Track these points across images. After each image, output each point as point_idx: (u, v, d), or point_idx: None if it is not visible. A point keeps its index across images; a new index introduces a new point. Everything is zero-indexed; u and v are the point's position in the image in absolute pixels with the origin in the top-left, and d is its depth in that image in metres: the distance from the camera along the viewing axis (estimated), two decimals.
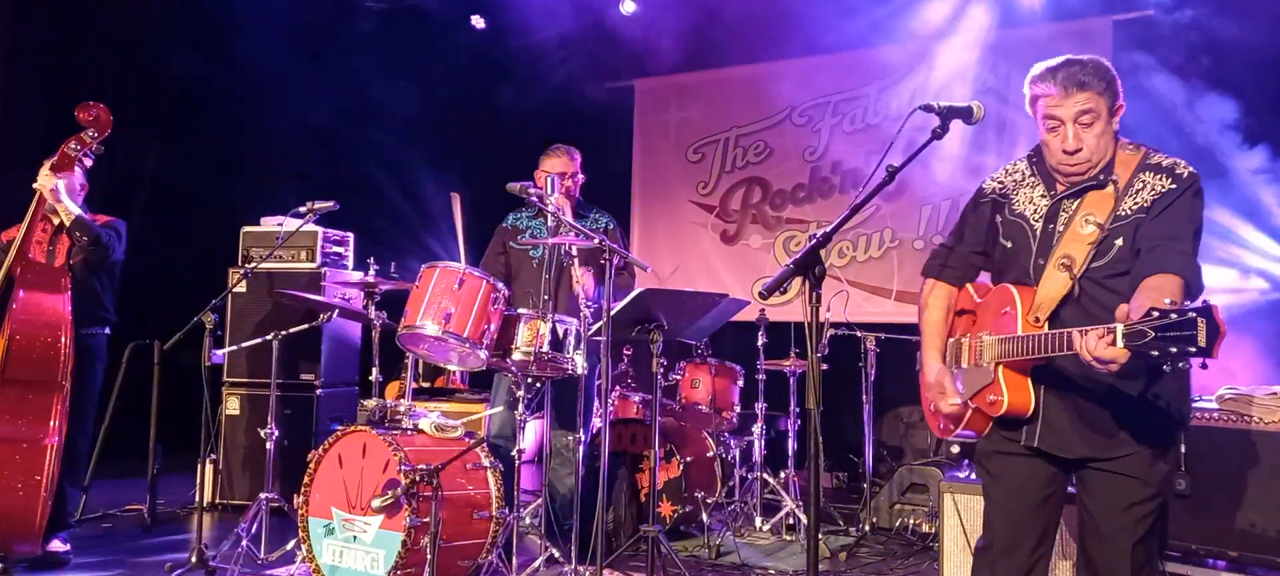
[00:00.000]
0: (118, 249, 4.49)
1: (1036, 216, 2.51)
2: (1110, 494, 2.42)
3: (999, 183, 2.63)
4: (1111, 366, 2.09)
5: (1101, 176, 2.44)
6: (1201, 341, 1.92)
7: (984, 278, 2.73)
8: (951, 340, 2.65)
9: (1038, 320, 2.37)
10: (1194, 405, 3.79)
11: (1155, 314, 1.97)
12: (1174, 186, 2.38)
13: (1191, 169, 2.42)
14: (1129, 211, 2.39)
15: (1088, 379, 2.35)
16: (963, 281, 2.70)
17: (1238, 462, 3.63)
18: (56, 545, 4.31)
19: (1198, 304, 1.95)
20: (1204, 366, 1.99)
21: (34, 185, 4.24)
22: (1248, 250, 5.39)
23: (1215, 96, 5.57)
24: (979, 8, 6.71)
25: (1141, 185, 2.40)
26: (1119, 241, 2.38)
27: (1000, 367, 2.41)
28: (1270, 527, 3.53)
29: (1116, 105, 2.44)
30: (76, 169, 4.32)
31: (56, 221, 4.36)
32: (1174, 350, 1.94)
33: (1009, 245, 2.55)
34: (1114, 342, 2.04)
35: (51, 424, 3.94)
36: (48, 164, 4.26)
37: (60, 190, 4.27)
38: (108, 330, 4.57)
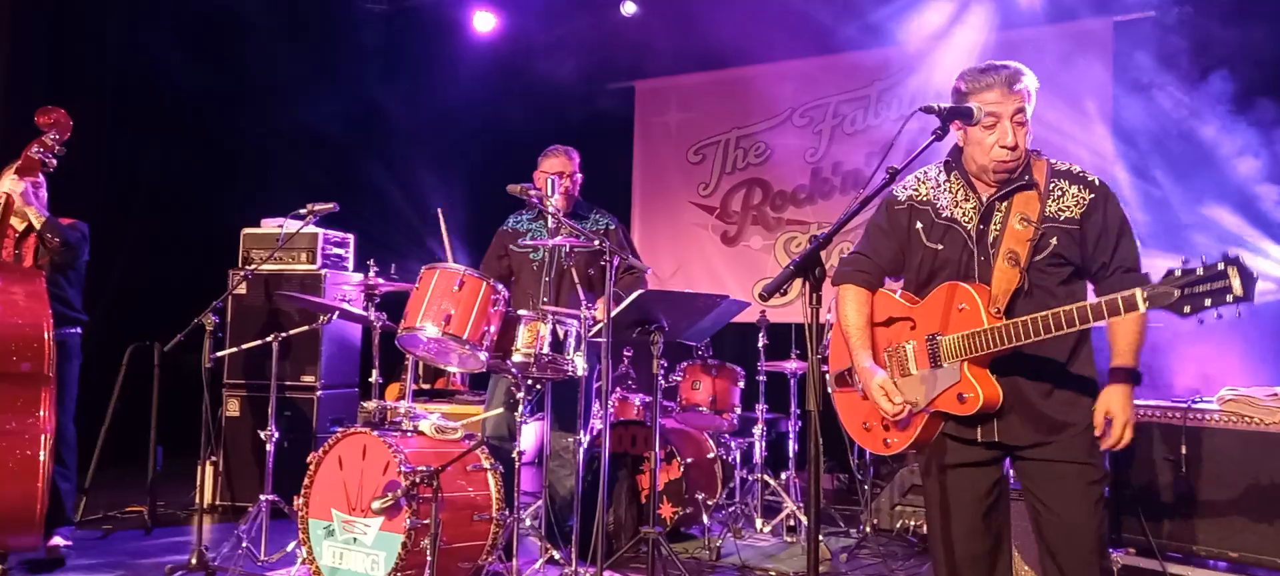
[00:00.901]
0: (84, 250, 4.52)
1: (969, 218, 2.56)
2: (1068, 481, 2.47)
3: (913, 191, 2.68)
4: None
5: (1025, 177, 2.53)
6: (1238, 290, 1.96)
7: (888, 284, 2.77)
8: (891, 348, 2.64)
9: (998, 312, 2.42)
10: (1194, 406, 3.79)
11: (1176, 272, 2.01)
12: (1094, 197, 2.51)
13: (1096, 177, 2.57)
14: (1057, 215, 2.50)
15: (1038, 363, 2.45)
16: (874, 287, 2.74)
17: (1238, 464, 3.63)
18: (57, 540, 4.33)
19: (1226, 253, 2.01)
20: (1239, 315, 2.00)
21: (2, 189, 4.26)
22: (1247, 251, 5.39)
23: (1215, 97, 5.57)
24: (979, 10, 6.71)
25: (1061, 192, 2.52)
26: (1053, 240, 2.49)
27: (965, 364, 2.43)
28: (1270, 529, 3.53)
29: (1031, 111, 2.55)
30: (40, 172, 4.33)
31: (23, 225, 4.40)
32: (1208, 302, 1.98)
33: (940, 248, 2.59)
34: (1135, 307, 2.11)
35: (41, 414, 3.94)
36: (11, 168, 4.29)
37: (29, 193, 4.29)
38: (79, 329, 4.57)
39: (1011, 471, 2.66)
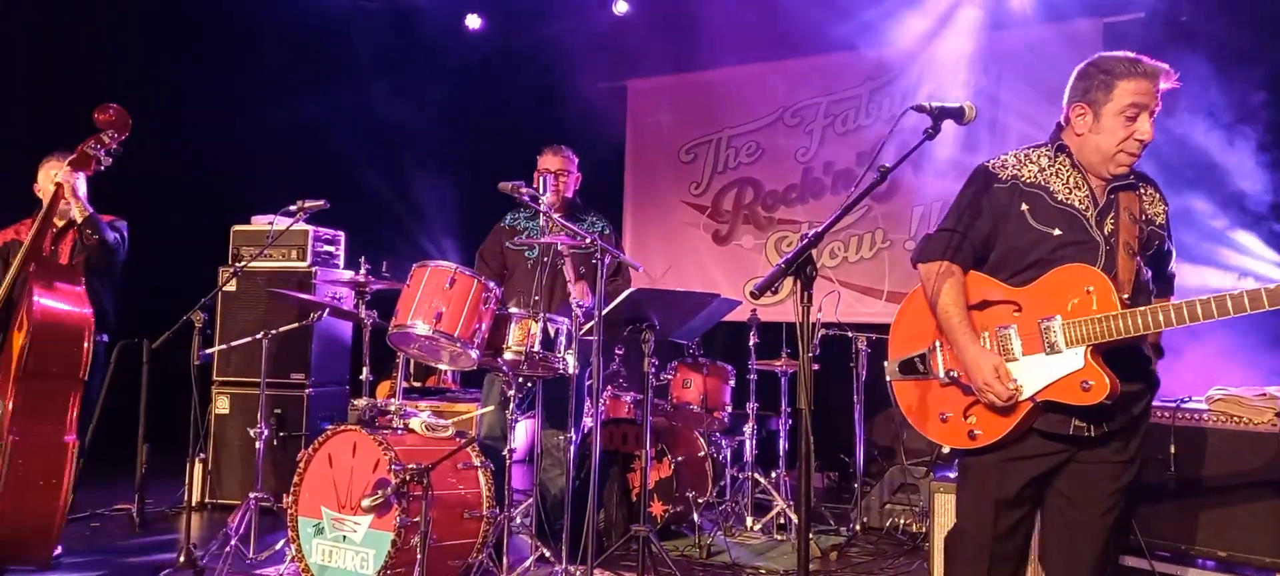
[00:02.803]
0: (123, 250, 4.47)
1: (1087, 207, 2.48)
2: (1097, 478, 2.45)
3: (1017, 171, 2.54)
4: None
5: (1132, 177, 2.53)
6: None
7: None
8: (991, 333, 2.48)
9: (1126, 300, 2.36)
10: (1183, 406, 3.80)
11: None
12: (1164, 209, 2.59)
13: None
14: (1154, 217, 2.55)
15: (1129, 351, 2.40)
16: (968, 267, 2.57)
17: (1227, 463, 3.65)
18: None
19: None
20: None
21: (57, 179, 4.18)
22: (1238, 252, 5.41)
23: (1206, 98, 5.59)
24: (970, 10, 6.73)
25: (1151, 197, 2.57)
26: (1156, 242, 2.54)
27: (1089, 351, 2.34)
28: (1259, 527, 3.54)
29: None
30: (92, 168, 4.22)
31: (62, 221, 4.37)
32: None
33: (1057, 233, 2.46)
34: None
35: (68, 422, 3.90)
36: (66, 160, 4.20)
37: (79, 187, 4.22)
38: (107, 337, 4.52)
39: None
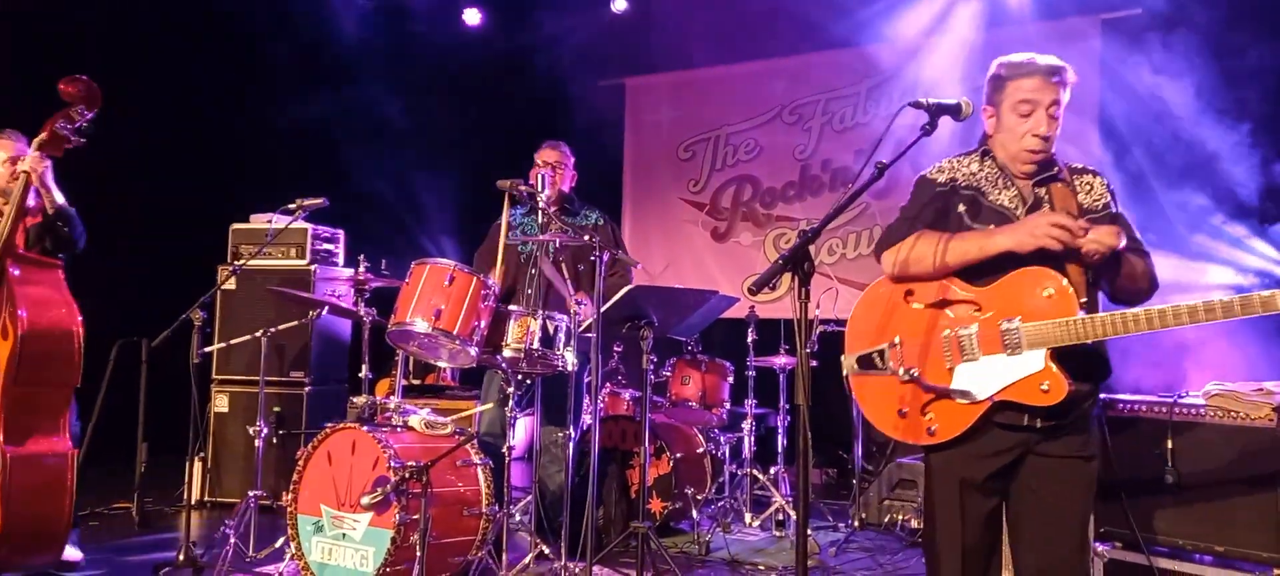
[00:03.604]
0: (83, 240, 4.11)
1: (1016, 205, 2.53)
2: (1065, 472, 2.48)
3: (950, 174, 2.61)
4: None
5: (1054, 170, 2.55)
6: None
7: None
8: (950, 333, 2.49)
9: (1084, 303, 2.39)
10: (1180, 401, 3.81)
11: None
12: (1108, 184, 2.61)
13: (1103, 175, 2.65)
14: (1093, 206, 2.54)
15: (1078, 356, 2.41)
16: None
17: (1224, 458, 3.65)
18: (69, 551, 4.09)
19: None
20: None
21: (21, 167, 3.82)
22: (1234, 247, 5.42)
23: (1204, 95, 5.60)
24: (967, 7, 6.74)
25: (1088, 186, 2.58)
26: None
27: (1049, 353, 2.36)
28: (1256, 522, 3.55)
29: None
30: (61, 151, 3.87)
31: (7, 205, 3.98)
32: None
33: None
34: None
35: (68, 431, 3.72)
36: (19, 141, 3.92)
37: (48, 174, 3.86)
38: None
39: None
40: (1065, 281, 2.37)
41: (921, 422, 2.51)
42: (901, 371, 2.51)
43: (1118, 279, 2.49)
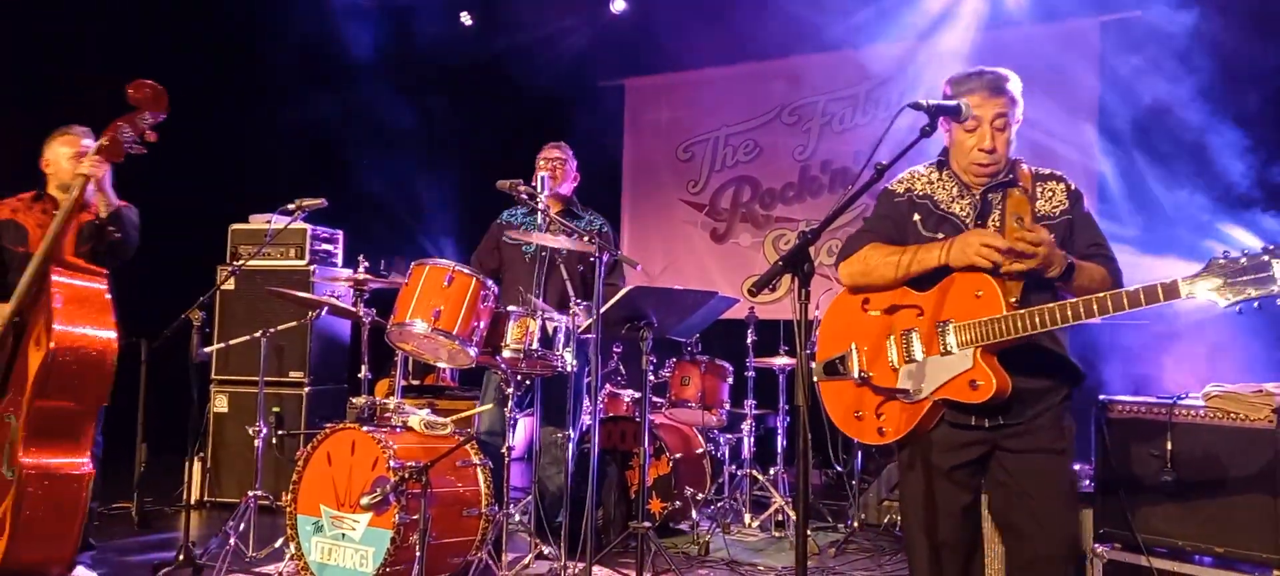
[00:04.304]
0: (133, 247, 4.04)
1: (965, 213, 2.62)
2: (1046, 447, 2.53)
3: (909, 184, 2.73)
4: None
5: (1009, 177, 2.61)
6: None
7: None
8: (894, 335, 2.62)
9: (1015, 303, 2.44)
10: (1179, 403, 3.81)
11: (1219, 260, 2.07)
12: (1073, 190, 2.66)
13: (1072, 181, 2.69)
14: (1050, 213, 2.60)
15: (1032, 350, 2.49)
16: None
17: (1224, 459, 3.65)
18: (80, 571, 3.97)
19: (1268, 244, 2.09)
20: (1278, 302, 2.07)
21: (81, 171, 3.71)
22: (1234, 249, 5.41)
23: (1203, 96, 5.60)
24: (967, 9, 6.74)
25: (1050, 193, 2.63)
26: (1059, 232, 2.56)
27: (978, 351, 2.44)
28: (1256, 523, 3.55)
29: (1018, 118, 2.62)
30: (122, 157, 3.75)
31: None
32: (1251, 291, 2.07)
33: (939, 237, 2.61)
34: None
35: (89, 450, 3.56)
36: (83, 139, 3.82)
37: (107, 180, 3.76)
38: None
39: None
40: (995, 281, 2.45)
41: (874, 423, 2.65)
42: (856, 374, 2.65)
43: (1070, 286, 2.52)
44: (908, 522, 2.72)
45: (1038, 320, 2.35)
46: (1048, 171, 2.68)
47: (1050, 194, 2.63)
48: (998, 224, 2.57)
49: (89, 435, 3.57)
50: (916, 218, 2.67)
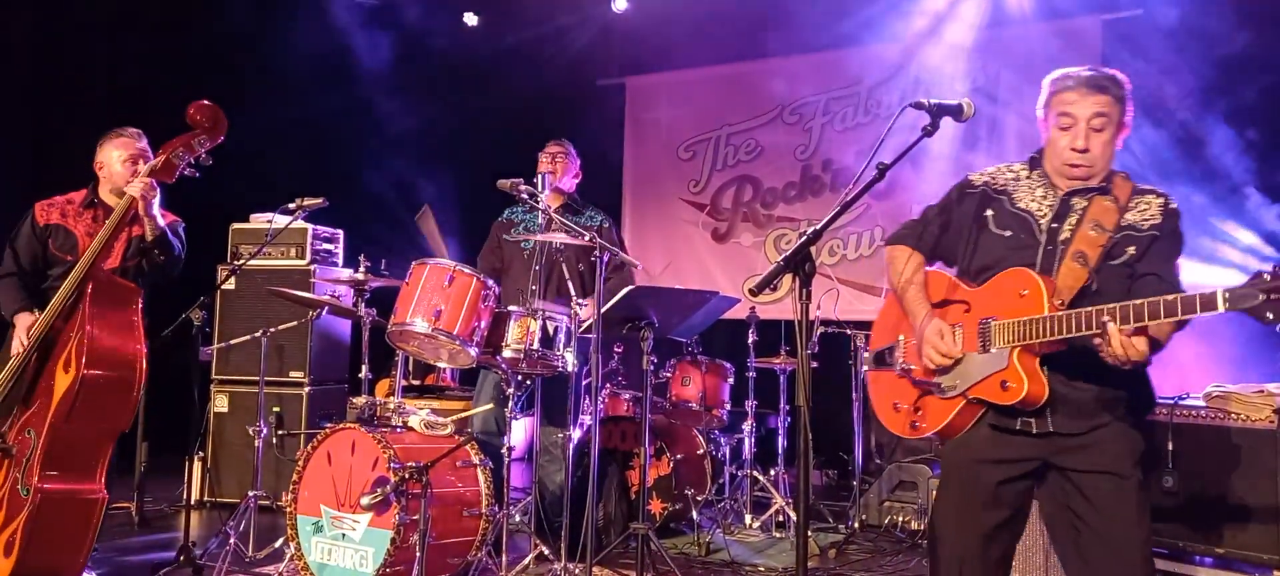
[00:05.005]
0: (178, 268, 3.92)
1: (1043, 212, 2.51)
2: (1110, 493, 2.38)
3: (991, 177, 2.63)
4: (1132, 354, 2.18)
5: (1105, 185, 2.48)
6: None
7: (938, 267, 2.72)
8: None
9: (1062, 304, 2.34)
10: (1181, 403, 3.81)
11: (1265, 276, 1.98)
12: (1174, 208, 2.48)
13: (1176, 203, 2.52)
14: (1138, 223, 2.45)
15: (1089, 357, 2.33)
16: (920, 251, 2.70)
17: (1224, 459, 3.65)
18: None
19: None
20: None
21: (130, 191, 3.61)
22: (1235, 249, 5.42)
23: (1204, 96, 5.60)
24: (969, 7, 6.73)
25: (1145, 205, 2.47)
26: (1131, 248, 2.43)
27: (1015, 352, 2.36)
28: (1256, 524, 3.55)
29: (1124, 123, 2.49)
30: (174, 178, 3.69)
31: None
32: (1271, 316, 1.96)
33: (1006, 234, 2.53)
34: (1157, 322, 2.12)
35: (104, 475, 3.47)
36: (147, 167, 3.68)
37: (155, 202, 3.68)
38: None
39: (1039, 496, 2.56)
40: (1041, 280, 2.38)
41: (910, 416, 2.60)
42: (899, 366, 2.62)
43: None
44: (931, 522, 2.64)
45: (1075, 323, 2.25)
46: (1150, 187, 2.51)
47: (1144, 207, 2.46)
48: (1071, 231, 2.45)
49: (105, 459, 3.48)
50: (989, 213, 2.58)
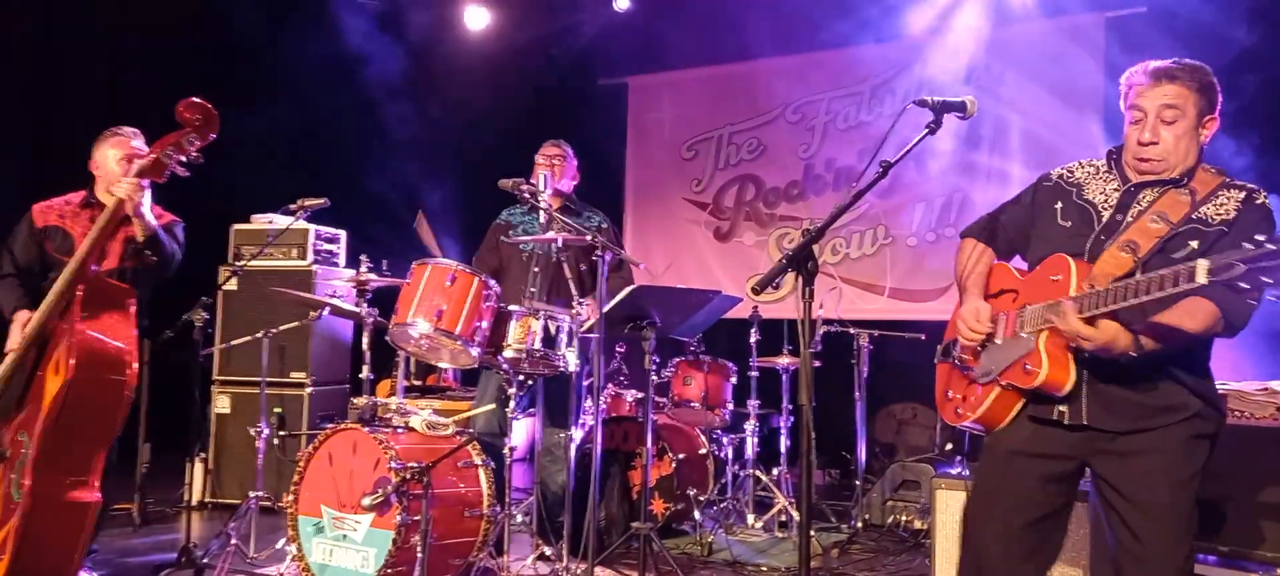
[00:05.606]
0: (179, 259, 3.88)
1: (1106, 203, 2.47)
2: (1153, 473, 2.33)
3: (1068, 171, 2.61)
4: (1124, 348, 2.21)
5: (1180, 178, 2.40)
6: None
7: (1016, 262, 2.71)
8: (996, 316, 2.55)
9: (1092, 288, 2.28)
10: None
11: (1247, 247, 1.91)
12: (1236, 211, 2.35)
13: (1264, 197, 2.37)
14: (1209, 217, 2.34)
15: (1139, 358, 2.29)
16: (990, 244, 2.71)
17: (1228, 457, 3.62)
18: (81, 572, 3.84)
19: None
20: None
21: (116, 192, 3.56)
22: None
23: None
24: (972, 5, 6.72)
25: (1223, 201, 2.36)
26: (1194, 243, 2.32)
27: (1042, 337, 2.34)
28: (1261, 522, 3.53)
29: (1208, 117, 2.40)
30: (164, 177, 3.62)
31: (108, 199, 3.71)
32: (1269, 280, 1.90)
33: (1067, 225, 2.50)
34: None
35: (97, 481, 3.39)
36: (135, 166, 3.62)
37: (143, 203, 3.63)
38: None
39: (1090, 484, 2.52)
40: (1073, 264, 2.35)
41: (957, 403, 2.62)
42: (954, 358, 2.65)
43: (1161, 309, 2.25)
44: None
45: (1088, 303, 2.23)
46: (1242, 183, 2.39)
47: (1223, 202, 2.35)
48: (1131, 220, 2.38)
49: (100, 464, 3.44)
50: (1057, 205, 2.55)
